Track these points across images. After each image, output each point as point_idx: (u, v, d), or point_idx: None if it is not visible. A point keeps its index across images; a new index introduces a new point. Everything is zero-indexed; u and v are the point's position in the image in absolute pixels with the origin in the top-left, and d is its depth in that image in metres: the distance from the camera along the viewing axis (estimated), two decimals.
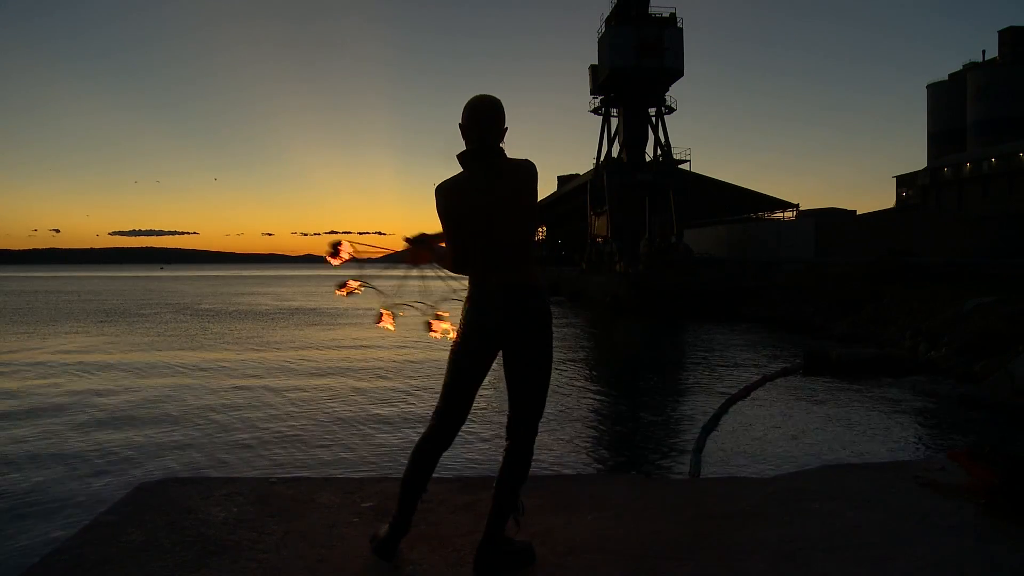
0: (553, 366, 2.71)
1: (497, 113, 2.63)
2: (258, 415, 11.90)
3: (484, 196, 2.56)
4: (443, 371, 2.75)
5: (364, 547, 2.77)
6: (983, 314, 16.29)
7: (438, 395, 2.72)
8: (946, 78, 77.60)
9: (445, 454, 2.76)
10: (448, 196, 2.59)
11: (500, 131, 2.64)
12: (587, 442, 9.94)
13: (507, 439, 2.68)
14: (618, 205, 50.18)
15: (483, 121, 2.61)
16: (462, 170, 2.63)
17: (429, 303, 2.90)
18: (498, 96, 2.69)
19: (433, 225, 2.78)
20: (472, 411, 2.75)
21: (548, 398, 2.69)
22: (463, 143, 2.65)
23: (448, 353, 2.69)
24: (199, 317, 36.43)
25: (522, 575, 2.62)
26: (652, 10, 50.39)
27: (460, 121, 2.65)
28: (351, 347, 22.20)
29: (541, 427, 2.70)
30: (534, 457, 2.70)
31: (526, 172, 2.62)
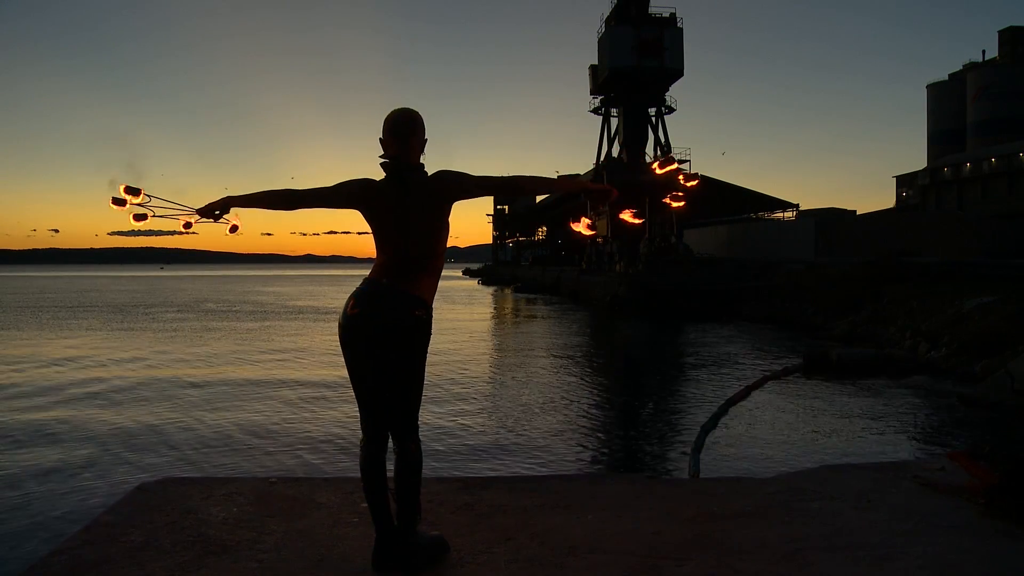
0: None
1: (409, 127, 2.69)
2: (259, 414, 11.89)
3: (392, 207, 2.66)
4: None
5: (364, 547, 2.77)
6: (983, 314, 16.28)
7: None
8: (946, 78, 77.49)
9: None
10: (366, 191, 2.69)
11: (413, 144, 2.69)
12: (587, 442, 9.92)
13: (394, 448, 2.74)
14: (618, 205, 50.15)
15: (396, 135, 2.68)
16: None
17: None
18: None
19: None
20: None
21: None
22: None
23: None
24: (203, 315, 36.43)
25: (517, 572, 2.62)
26: (652, 10, 50.44)
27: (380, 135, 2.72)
28: None
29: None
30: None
31: (436, 186, 2.68)
